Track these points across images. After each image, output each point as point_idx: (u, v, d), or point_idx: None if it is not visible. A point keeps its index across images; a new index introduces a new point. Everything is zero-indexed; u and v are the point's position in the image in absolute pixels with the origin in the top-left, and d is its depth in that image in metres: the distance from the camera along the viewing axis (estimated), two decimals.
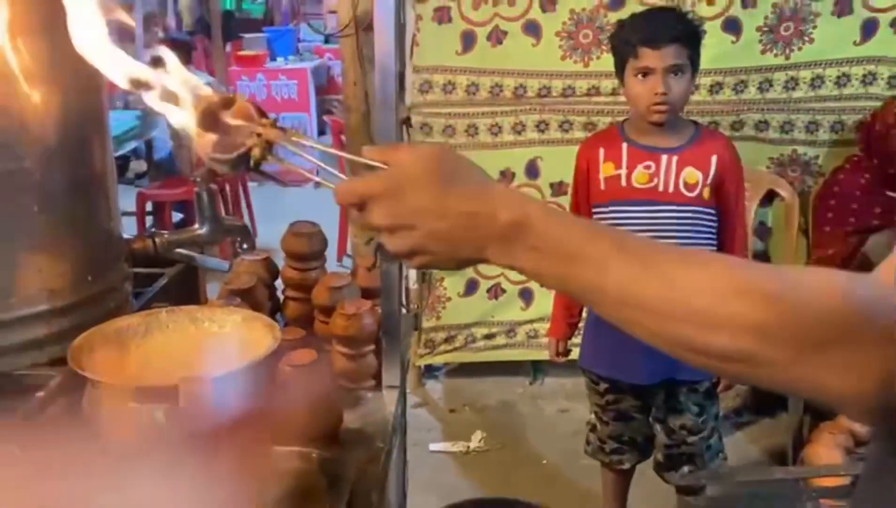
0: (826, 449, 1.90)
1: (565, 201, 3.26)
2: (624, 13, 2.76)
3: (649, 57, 1.95)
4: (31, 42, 0.96)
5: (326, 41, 8.36)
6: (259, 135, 0.78)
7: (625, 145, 2.08)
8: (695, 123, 2.17)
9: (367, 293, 1.50)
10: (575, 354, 2.34)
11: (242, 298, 1.42)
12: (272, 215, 4.35)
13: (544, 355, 3.33)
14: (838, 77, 3.11)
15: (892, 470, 0.68)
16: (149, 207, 4.79)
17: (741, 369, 0.66)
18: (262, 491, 1.06)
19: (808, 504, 1.70)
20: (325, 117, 6.72)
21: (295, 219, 1.57)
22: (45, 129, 0.99)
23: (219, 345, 0.97)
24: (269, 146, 0.78)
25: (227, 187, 5.00)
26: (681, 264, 0.68)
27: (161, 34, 7.44)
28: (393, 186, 0.71)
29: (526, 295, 3.43)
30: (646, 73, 1.97)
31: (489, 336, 3.47)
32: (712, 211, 2.07)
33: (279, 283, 1.57)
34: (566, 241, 0.70)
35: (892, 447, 0.66)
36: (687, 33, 1.99)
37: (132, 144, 5.45)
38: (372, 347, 1.39)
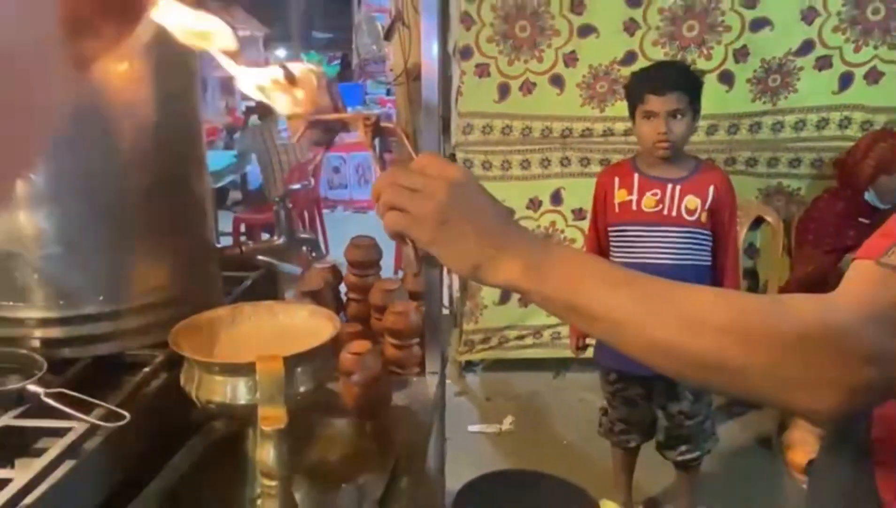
0: (801, 433, 1.85)
1: (584, 224, 3.24)
2: (633, 68, 2.75)
3: (654, 102, 1.97)
4: (146, 93, 0.99)
5: (388, 93, 8.44)
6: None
7: (636, 176, 2.08)
8: (696, 158, 2.16)
9: (413, 296, 1.51)
10: (590, 353, 2.32)
11: (312, 298, 1.44)
12: (340, 236, 4.40)
13: (566, 353, 3.30)
14: (818, 121, 3.05)
15: (841, 447, 0.67)
16: (242, 228, 4.89)
17: (719, 378, 0.60)
18: (324, 453, 1.07)
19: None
20: (386, 155, 6.77)
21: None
22: (153, 159, 1.02)
23: (291, 333, 0.98)
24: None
25: (306, 213, 5.07)
26: (667, 286, 0.63)
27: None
28: (453, 180, 0.66)
29: None
30: (651, 115, 1.98)
31: (519, 338, 3.45)
32: (709, 233, 2.06)
33: (343, 287, 1.59)
34: (574, 270, 0.64)
35: (843, 429, 0.66)
36: (687, 83, 1.99)
37: (230, 178, 5.58)
38: (417, 339, 1.40)
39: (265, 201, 5.30)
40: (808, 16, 2.94)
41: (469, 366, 3.55)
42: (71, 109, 0.93)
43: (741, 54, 3.00)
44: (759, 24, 2.96)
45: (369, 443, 1.11)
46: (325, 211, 5.66)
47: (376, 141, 0.79)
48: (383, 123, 0.79)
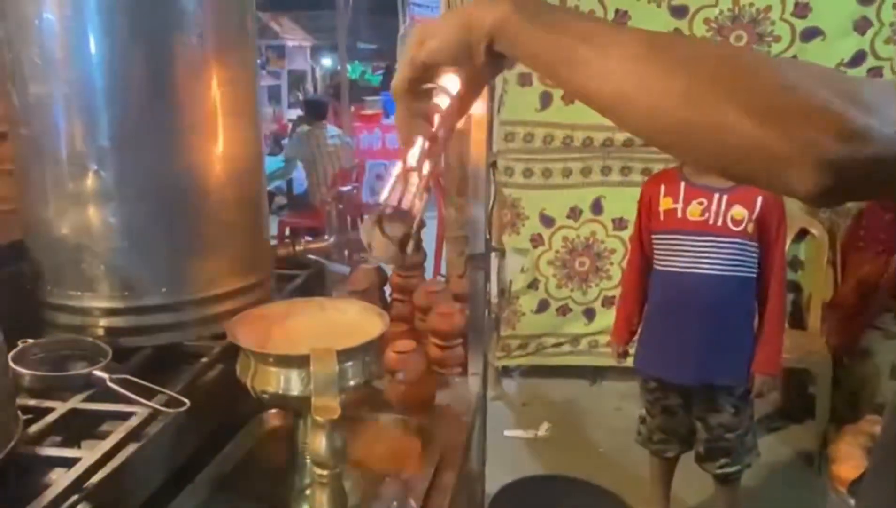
0: (848, 447, 1.79)
1: (625, 234, 3.22)
2: None
3: None
4: (209, 97, 1.02)
5: None
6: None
7: (682, 183, 2.07)
8: None
9: (457, 298, 1.52)
10: (627, 361, 2.30)
11: (359, 298, 1.46)
12: None
13: (603, 361, 3.28)
14: None
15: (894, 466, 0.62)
16: (287, 232, 4.97)
17: (695, 113, 0.48)
18: (370, 447, 1.09)
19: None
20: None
21: None
22: (216, 158, 1.05)
23: (342, 328, 0.99)
24: None
25: (349, 217, 5.13)
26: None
27: (302, 96, 7.72)
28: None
29: (589, 313, 3.39)
30: None
31: (557, 345, 3.43)
32: (755, 244, 2.03)
33: (387, 288, 1.61)
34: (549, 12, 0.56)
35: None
36: None
37: (277, 183, 5.68)
38: (460, 341, 1.40)
39: (310, 205, 5.38)
40: (861, 26, 2.86)
41: (506, 371, 3.54)
42: (139, 113, 0.97)
43: None
44: (810, 33, 2.90)
45: (413, 439, 1.11)
46: (366, 217, 5.70)
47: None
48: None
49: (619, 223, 3.24)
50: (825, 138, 0.44)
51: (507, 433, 3.02)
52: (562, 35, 0.55)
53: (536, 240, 3.30)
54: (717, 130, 0.47)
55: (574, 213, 3.26)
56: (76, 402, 0.85)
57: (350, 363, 0.90)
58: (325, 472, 0.81)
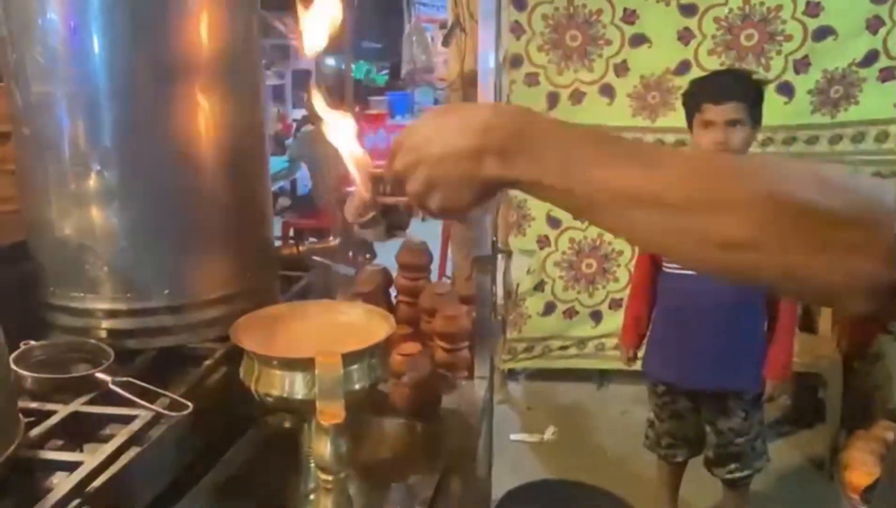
0: (860, 454, 1.78)
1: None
2: (687, 78, 2.71)
3: (711, 111, 1.94)
4: (214, 97, 1.02)
5: (436, 102, 8.49)
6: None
7: None
8: None
9: (464, 300, 1.51)
10: (634, 365, 2.29)
11: (364, 300, 1.46)
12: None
13: (610, 364, 3.27)
14: (878, 134, 2.95)
15: None
16: (290, 232, 4.98)
17: (743, 259, 0.50)
18: (375, 452, 1.08)
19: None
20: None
21: (402, 242, 1.59)
22: (221, 158, 1.05)
23: (347, 330, 0.99)
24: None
25: None
26: (685, 158, 0.56)
27: (306, 97, 7.72)
28: (399, 137, 0.65)
29: (596, 316, 3.37)
30: (709, 124, 1.95)
31: (563, 348, 3.42)
32: None
33: (393, 290, 1.60)
34: (568, 149, 0.56)
35: None
36: (747, 91, 1.95)
37: (281, 183, 5.68)
38: (467, 343, 1.39)
39: (313, 206, 5.37)
40: (874, 25, 2.85)
41: (511, 374, 3.53)
42: (142, 113, 0.97)
43: (802, 65, 2.92)
44: (822, 32, 2.88)
45: (419, 444, 1.11)
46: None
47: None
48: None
49: None
50: (871, 269, 0.48)
51: (512, 437, 3.01)
52: (598, 191, 0.55)
53: (543, 241, 3.29)
54: (782, 272, 0.50)
55: None
56: (78, 405, 0.85)
57: (355, 367, 0.89)
58: (329, 477, 0.80)
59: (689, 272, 2.10)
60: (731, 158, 0.55)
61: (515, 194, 3.22)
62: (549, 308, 3.36)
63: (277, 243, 1.29)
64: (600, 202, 0.55)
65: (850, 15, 2.85)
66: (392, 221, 0.77)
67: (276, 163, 5.41)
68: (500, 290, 3.40)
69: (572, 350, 3.40)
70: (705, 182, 0.52)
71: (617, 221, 0.56)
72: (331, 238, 1.32)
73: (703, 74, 2.74)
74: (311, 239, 5.07)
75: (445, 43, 3.19)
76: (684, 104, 2.08)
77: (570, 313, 3.38)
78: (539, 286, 3.34)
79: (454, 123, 0.61)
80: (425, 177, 0.62)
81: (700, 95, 1.99)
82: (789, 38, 2.91)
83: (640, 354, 2.26)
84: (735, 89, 1.95)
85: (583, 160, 0.56)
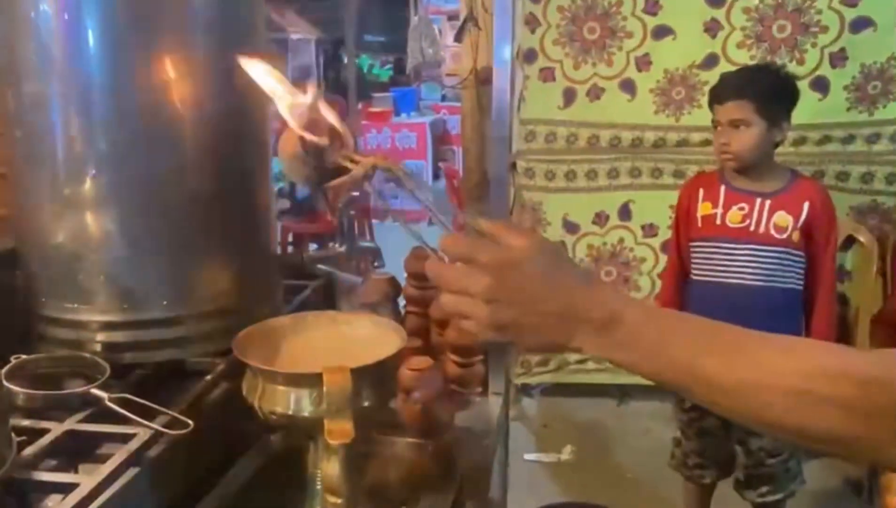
0: None
1: (655, 241, 3.21)
2: (715, 72, 2.72)
3: (717, 112, 2.02)
4: (215, 99, 1.03)
5: (443, 99, 8.53)
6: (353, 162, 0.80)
7: (722, 187, 2.08)
8: (793, 170, 2.13)
9: None
10: None
11: (371, 310, 1.46)
12: (391, 247, 4.45)
13: (631, 379, 3.25)
14: None
15: None
16: (290, 237, 5.00)
17: (838, 450, 0.61)
18: (384, 475, 1.09)
19: None
20: (440, 164, 6.84)
21: (410, 248, 1.59)
22: (222, 162, 1.06)
23: (354, 344, 1.00)
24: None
25: (356, 223, 5.15)
26: (768, 349, 0.65)
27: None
28: (505, 261, 0.68)
29: None
30: (717, 125, 2.03)
31: (580, 361, 3.40)
32: (801, 254, 2.02)
33: (401, 300, 1.61)
34: (657, 339, 0.66)
35: None
36: (755, 89, 1.96)
37: (279, 185, 5.70)
38: (480, 357, 1.40)
39: (313, 210, 5.39)
40: None
41: (526, 389, 3.52)
42: (140, 114, 0.98)
43: (838, 58, 2.92)
44: (860, 24, 2.87)
45: (431, 465, 1.11)
46: (374, 222, 5.72)
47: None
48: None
49: (650, 230, 3.23)
50: None
51: (527, 456, 3.01)
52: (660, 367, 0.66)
53: None
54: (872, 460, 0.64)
55: (600, 218, 3.25)
56: (73, 423, 0.86)
57: (364, 383, 0.90)
58: (338, 500, 0.81)
59: (720, 280, 2.11)
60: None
61: (530, 197, 3.24)
62: None
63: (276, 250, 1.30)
64: (688, 391, 0.66)
65: (890, 5, 2.84)
66: (321, 165, 0.81)
67: (273, 164, 5.44)
68: None
69: (590, 364, 3.39)
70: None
71: (703, 402, 0.65)
72: (335, 245, 1.33)
73: (731, 68, 2.75)
74: (312, 244, 5.11)
75: (458, 38, 3.21)
76: (708, 104, 2.12)
77: None
78: None
79: (560, 294, 0.68)
80: (512, 320, 0.69)
81: (712, 94, 2.07)
82: (824, 29, 2.91)
83: None
84: (740, 87, 1.98)
85: (671, 351, 0.65)
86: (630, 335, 0.66)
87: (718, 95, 2.01)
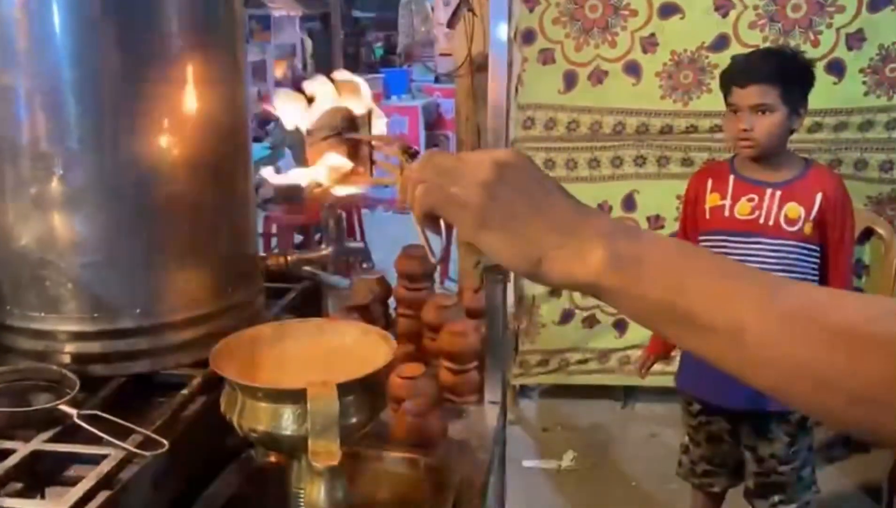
0: None
1: (663, 233, 3.20)
2: (726, 55, 2.71)
3: (737, 95, 1.99)
4: (192, 92, 1.03)
5: (436, 81, 8.50)
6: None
7: (731, 178, 2.07)
8: (806, 159, 2.13)
9: (471, 314, 1.51)
10: (664, 380, 2.29)
11: (359, 313, 1.46)
12: (382, 239, 4.45)
13: (636, 380, 3.26)
14: None
15: None
16: (273, 229, 4.98)
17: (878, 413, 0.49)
18: (373, 489, 1.09)
19: None
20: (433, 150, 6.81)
21: (403, 243, 1.59)
22: (198, 158, 1.05)
23: (341, 354, 0.99)
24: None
25: (343, 213, 5.13)
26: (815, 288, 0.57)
27: (290, 73, 7.72)
28: (502, 155, 0.61)
29: (620, 326, 3.37)
30: (735, 109, 2.00)
31: (582, 361, 3.42)
32: (815, 247, 2.02)
33: (392, 301, 1.61)
34: (680, 258, 0.56)
35: None
36: (780, 73, 1.96)
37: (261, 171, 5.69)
38: (475, 363, 1.40)
39: (298, 200, 5.37)
40: None
41: (524, 391, 3.53)
42: (111, 110, 0.97)
43: (855, 39, 2.91)
44: (878, 2, 2.87)
45: (423, 480, 1.11)
46: (364, 211, 5.71)
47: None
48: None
49: (655, 221, 3.23)
50: None
51: (525, 463, 3.01)
52: (678, 296, 0.54)
53: None
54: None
55: (602, 210, 3.25)
56: (39, 442, 0.85)
57: (352, 398, 0.90)
58: None
59: None
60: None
61: None
62: (567, 316, 3.36)
63: (260, 246, 1.30)
64: (709, 338, 0.54)
65: None
66: None
67: (256, 150, 5.41)
68: (510, 295, 3.41)
69: (593, 364, 3.40)
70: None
71: (724, 355, 0.54)
72: (322, 246, 1.32)
73: (742, 50, 2.75)
74: (298, 236, 5.09)
75: (450, 24, 3.19)
76: (720, 85, 2.10)
77: (591, 322, 3.37)
78: (555, 292, 3.34)
79: (544, 184, 0.60)
80: (486, 215, 0.59)
81: (727, 76, 2.04)
82: (841, 9, 2.90)
83: (670, 367, 2.26)
84: (764, 69, 1.97)
85: (698, 279, 0.55)
86: (647, 248, 0.56)
87: (739, 78, 1.98)
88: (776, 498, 2.12)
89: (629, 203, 3.25)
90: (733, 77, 2.00)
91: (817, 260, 2.03)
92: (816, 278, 2.03)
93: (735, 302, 0.53)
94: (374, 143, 0.80)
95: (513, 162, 0.60)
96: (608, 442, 3.19)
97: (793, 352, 0.50)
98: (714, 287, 0.54)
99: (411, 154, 0.71)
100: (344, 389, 0.86)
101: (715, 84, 2.80)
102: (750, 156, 2.02)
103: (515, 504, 2.31)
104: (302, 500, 0.94)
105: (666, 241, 0.60)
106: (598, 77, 3.12)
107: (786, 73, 1.98)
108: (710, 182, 2.11)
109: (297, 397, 0.84)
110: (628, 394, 3.43)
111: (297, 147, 5.19)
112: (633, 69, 3.09)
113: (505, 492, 1.58)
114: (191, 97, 1.02)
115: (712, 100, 2.94)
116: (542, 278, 0.59)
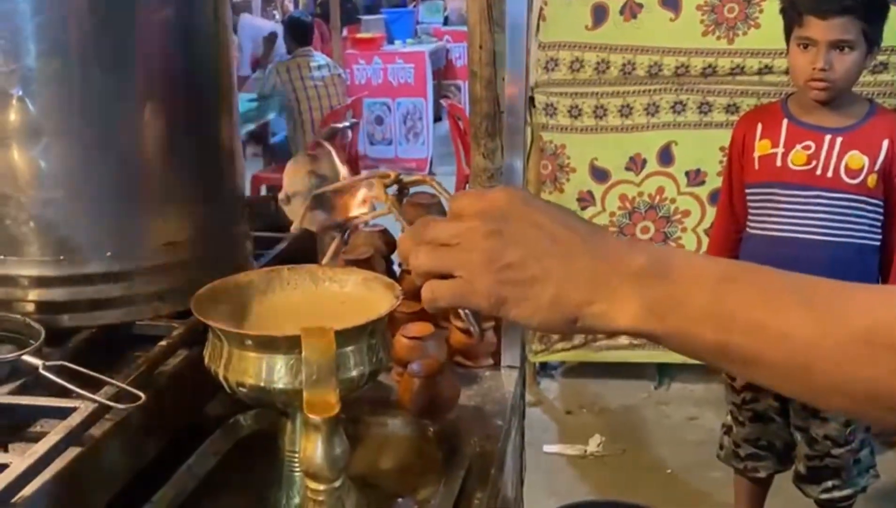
0: None
1: (702, 190, 3.19)
2: None
3: (814, 27, 1.93)
4: (171, 17, 1.03)
5: (445, 22, 8.45)
6: None
7: (785, 122, 2.05)
8: (871, 101, 2.11)
9: None
10: None
11: (359, 268, 1.46)
12: None
13: (671, 357, 3.27)
14: None
15: None
16: (262, 190, 5.00)
17: None
18: (376, 459, 1.09)
19: None
20: (442, 101, 6.79)
21: None
22: (179, 90, 1.05)
23: (340, 303, 0.99)
24: None
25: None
26: (864, 293, 0.59)
27: (278, 15, 7.68)
28: (507, 194, 0.65)
29: None
30: (809, 43, 1.94)
31: (611, 336, 3.42)
32: (878, 202, 2.01)
33: (395, 256, 1.61)
34: (717, 291, 0.58)
35: None
36: (864, 4, 1.92)
37: (248, 127, 5.68)
38: (492, 324, 1.40)
39: (289, 156, 5.37)
40: None
41: (545, 369, 3.55)
42: (77, 21, 0.96)
43: None
44: None
45: (433, 450, 1.11)
46: (364, 172, 5.71)
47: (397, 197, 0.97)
48: (406, 177, 0.96)
49: (695, 177, 3.22)
50: None
51: (546, 448, 3.04)
52: (726, 335, 0.57)
53: (586, 199, 3.28)
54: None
55: (635, 163, 3.24)
56: (2, 395, 0.86)
57: (351, 348, 0.90)
58: (321, 487, 0.81)
59: (780, 234, 2.10)
60: None
61: (550, 138, 3.22)
62: None
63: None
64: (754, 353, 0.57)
65: None
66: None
67: (241, 103, 5.41)
68: None
69: (623, 339, 3.40)
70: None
71: (790, 383, 0.58)
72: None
73: None
74: None
75: None
76: (782, 11, 2.06)
77: None
78: None
79: (551, 225, 0.62)
80: (518, 263, 0.61)
81: (803, 2, 1.96)
82: None
83: None
84: (850, 2, 1.92)
85: (746, 312, 0.58)
86: (683, 289, 0.59)
87: (819, 8, 1.92)
88: (830, 484, 2.14)
89: (666, 156, 3.23)
90: (813, 5, 1.93)
91: (881, 217, 2.02)
92: (879, 237, 2.01)
93: (795, 335, 0.56)
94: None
95: (508, 212, 0.63)
96: (640, 426, 3.21)
97: (863, 377, 0.54)
98: (768, 321, 0.57)
99: (387, 184, 0.89)
100: (343, 337, 0.85)
101: (763, 18, 2.76)
102: (822, 99, 1.98)
103: (536, 493, 2.33)
104: (295, 465, 0.95)
105: (701, 270, 0.61)
106: (631, 11, 3.09)
107: (871, 3, 1.94)
108: (759, 127, 2.09)
109: (290, 345, 0.84)
110: (663, 373, 3.45)
111: (289, 97, 5.19)
112: (671, 2, 3.06)
113: (524, 465, 1.59)
114: (166, 27, 1.03)
115: (761, 36, 2.90)
116: (586, 331, 0.66)
